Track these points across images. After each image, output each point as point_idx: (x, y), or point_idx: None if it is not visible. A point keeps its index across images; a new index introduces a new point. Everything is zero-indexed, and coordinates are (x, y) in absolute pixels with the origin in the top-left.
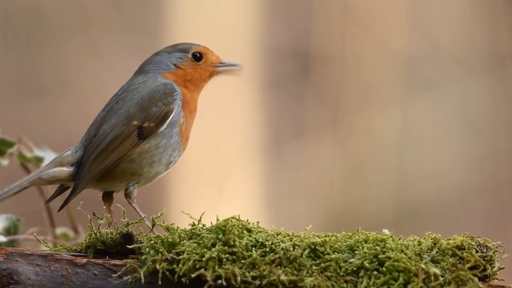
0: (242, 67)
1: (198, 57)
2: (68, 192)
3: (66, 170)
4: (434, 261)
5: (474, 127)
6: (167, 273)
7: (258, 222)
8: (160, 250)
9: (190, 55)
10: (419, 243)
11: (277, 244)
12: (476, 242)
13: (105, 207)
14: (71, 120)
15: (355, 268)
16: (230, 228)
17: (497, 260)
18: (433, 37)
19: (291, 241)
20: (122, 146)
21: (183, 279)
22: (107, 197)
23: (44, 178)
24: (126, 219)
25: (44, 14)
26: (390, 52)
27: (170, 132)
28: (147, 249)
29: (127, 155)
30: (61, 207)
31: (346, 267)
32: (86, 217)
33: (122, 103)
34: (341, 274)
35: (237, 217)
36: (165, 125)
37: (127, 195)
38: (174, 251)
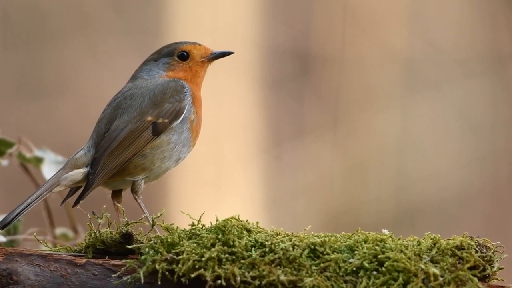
0: (234, 52)
1: (185, 56)
2: (77, 191)
3: (83, 171)
4: (433, 261)
5: (474, 127)
6: (167, 273)
7: (257, 222)
8: (160, 250)
9: (176, 57)
10: (419, 243)
11: (276, 244)
12: (475, 242)
13: (105, 206)
14: (71, 121)
15: (354, 268)
16: (230, 228)
17: (497, 260)
18: (433, 37)
19: (290, 241)
20: (137, 141)
21: (182, 279)
22: (116, 195)
23: (63, 183)
24: (126, 219)
25: (44, 14)
26: (390, 53)
27: (181, 128)
28: (147, 249)
29: (140, 151)
30: (75, 203)
31: (346, 267)
32: (86, 217)
33: (131, 100)
34: (341, 274)
35: (236, 217)
36: (178, 121)
37: (134, 190)
38: (173, 251)
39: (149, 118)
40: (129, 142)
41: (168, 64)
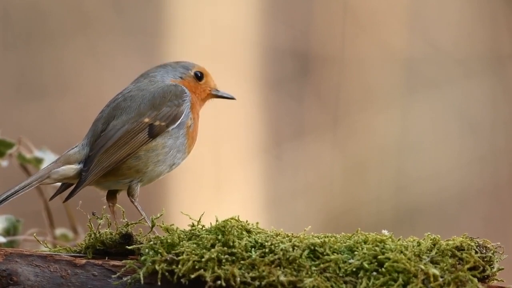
0: (236, 99)
1: (199, 76)
2: (67, 188)
3: (75, 167)
4: (433, 262)
5: (474, 127)
6: (167, 274)
7: (257, 223)
8: (160, 250)
9: (192, 73)
10: (419, 244)
11: (276, 245)
12: (475, 243)
13: (105, 207)
14: (71, 121)
15: (354, 269)
16: (230, 229)
17: (497, 261)
18: (433, 37)
19: (290, 241)
20: (132, 142)
21: (182, 280)
22: (111, 197)
23: (53, 177)
24: (126, 219)
25: (44, 14)
26: (390, 53)
27: (177, 133)
28: (147, 250)
29: (134, 152)
30: (66, 199)
31: (346, 267)
32: (86, 218)
33: (130, 101)
34: (341, 274)
35: (236, 218)
36: (175, 125)
37: (130, 194)
38: (173, 251)
39: (146, 120)
40: (124, 141)
41: (185, 74)
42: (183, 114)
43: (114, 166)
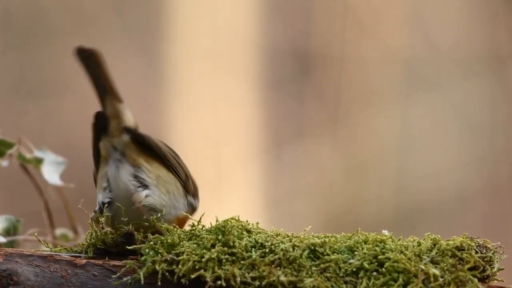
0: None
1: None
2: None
3: (133, 118)
4: (433, 262)
5: (473, 127)
6: (167, 274)
7: (257, 223)
8: (160, 251)
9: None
10: (419, 244)
11: (276, 245)
12: (475, 243)
13: (106, 206)
14: (71, 121)
15: (354, 269)
16: (230, 229)
17: (497, 261)
18: (433, 38)
19: (290, 242)
20: (177, 159)
21: (182, 280)
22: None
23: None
24: (127, 219)
25: (44, 14)
26: (390, 53)
27: (184, 205)
28: (147, 250)
29: (168, 167)
30: (135, 137)
31: (346, 268)
32: (86, 218)
33: None
34: (341, 275)
35: (236, 218)
36: (190, 197)
37: (136, 198)
38: (173, 252)
39: (185, 168)
40: (174, 156)
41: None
42: (198, 202)
43: (159, 153)
